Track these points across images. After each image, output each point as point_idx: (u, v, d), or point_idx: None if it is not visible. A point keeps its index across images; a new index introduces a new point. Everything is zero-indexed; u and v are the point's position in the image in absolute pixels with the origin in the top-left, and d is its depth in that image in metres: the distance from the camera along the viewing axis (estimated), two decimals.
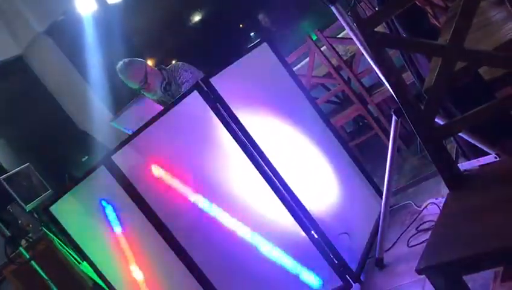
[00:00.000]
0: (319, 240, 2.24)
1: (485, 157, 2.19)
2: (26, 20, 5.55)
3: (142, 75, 3.17)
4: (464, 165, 2.26)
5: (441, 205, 1.48)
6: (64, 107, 5.76)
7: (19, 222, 4.21)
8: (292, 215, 2.22)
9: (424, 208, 2.48)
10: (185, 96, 2.25)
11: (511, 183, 1.31)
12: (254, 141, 2.24)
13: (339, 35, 4.32)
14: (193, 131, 2.35)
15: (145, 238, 2.53)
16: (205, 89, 2.20)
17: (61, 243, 3.73)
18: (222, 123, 2.20)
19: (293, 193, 2.25)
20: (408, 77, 2.39)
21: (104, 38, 5.39)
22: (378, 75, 2.37)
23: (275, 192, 2.22)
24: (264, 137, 2.31)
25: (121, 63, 3.21)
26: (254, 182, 2.23)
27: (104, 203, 2.55)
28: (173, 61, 4.35)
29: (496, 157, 2.15)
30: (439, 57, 1.35)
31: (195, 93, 2.20)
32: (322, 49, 3.74)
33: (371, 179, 2.87)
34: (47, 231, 3.83)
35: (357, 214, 2.64)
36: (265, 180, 2.21)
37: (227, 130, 2.20)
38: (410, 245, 2.31)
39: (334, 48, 3.71)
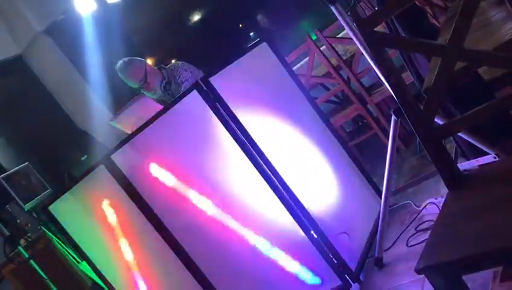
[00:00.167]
0: (318, 239, 2.25)
1: (485, 157, 2.19)
2: (25, 19, 5.54)
3: (141, 74, 3.17)
4: (463, 165, 2.27)
5: (440, 204, 1.48)
6: (64, 106, 5.75)
7: (18, 221, 4.21)
8: (291, 215, 2.22)
9: (423, 208, 2.48)
10: (185, 96, 2.25)
11: (510, 183, 1.31)
12: (253, 140, 2.24)
13: (339, 35, 4.33)
14: (192, 130, 2.35)
15: (145, 237, 2.53)
16: (204, 88, 2.20)
17: (60, 242, 3.73)
18: (221, 122, 2.20)
19: (292, 193, 2.25)
20: (407, 76, 2.39)
21: (103, 37, 5.38)
22: (377, 75, 2.37)
23: (274, 191, 2.22)
24: (263, 136, 2.31)
25: (120, 62, 3.21)
26: (253, 181, 2.23)
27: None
28: (173, 61, 4.35)
29: (495, 157, 2.15)
30: (438, 57, 1.35)
31: (195, 92, 2.20)
32: (321, 48, 3.74)
33: (370, 178, 2.88)
34: (46, 230, 3.82)
35: (357, 213, 2.64)
36: (265, 179, 2.21)
37: (227, 130, 2.20)
38: (409, 245, 2.31)
39: (333, 48, 3.71)
